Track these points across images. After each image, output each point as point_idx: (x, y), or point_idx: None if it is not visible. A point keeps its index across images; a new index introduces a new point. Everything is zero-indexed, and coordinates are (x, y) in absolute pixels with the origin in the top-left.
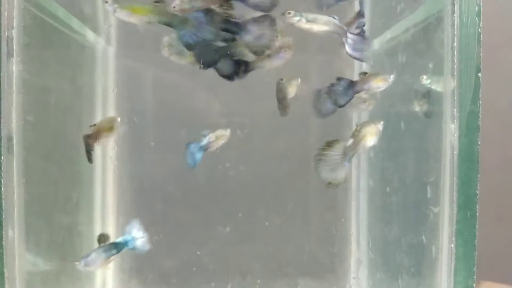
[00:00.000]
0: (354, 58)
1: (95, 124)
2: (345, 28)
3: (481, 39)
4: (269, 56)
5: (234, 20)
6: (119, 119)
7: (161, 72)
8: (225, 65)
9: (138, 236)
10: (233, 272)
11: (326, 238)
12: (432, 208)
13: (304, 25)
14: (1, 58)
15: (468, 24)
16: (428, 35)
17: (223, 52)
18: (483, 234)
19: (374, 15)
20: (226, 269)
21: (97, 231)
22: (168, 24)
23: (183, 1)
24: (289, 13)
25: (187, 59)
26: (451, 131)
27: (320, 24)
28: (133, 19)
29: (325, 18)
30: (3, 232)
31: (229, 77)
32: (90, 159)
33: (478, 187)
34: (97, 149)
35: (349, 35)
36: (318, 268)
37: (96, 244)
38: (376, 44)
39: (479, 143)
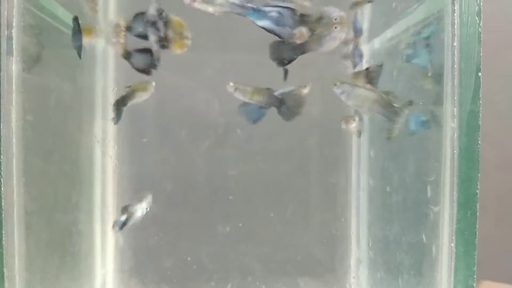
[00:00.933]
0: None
1: (130, 86)
2: (251, 6)
3: (481, 39)
4: (320, 38)
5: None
6: (154, 83)
7: (161, 71)
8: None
9: None
10: (233, 271)
11: (326, 238)
12: (432, 207)
13: (199, 5)
14: (1, 57)
15: (469, 24)
16: (428, 34)
17: (300, 50)
18: (483, 234)
19: (375, 14)
20: (226, 268)
21: (97, 230)
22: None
23: None
24: None
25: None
26: (451, 131)
27: (216, 5)
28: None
29: None
30: (3, 232)
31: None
32: (118, 120)
33: (479, 186)
34: (97, 149)
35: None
36: (318, 267)
37: (95, 245)
38: (377, 43)
39: (480, 143)
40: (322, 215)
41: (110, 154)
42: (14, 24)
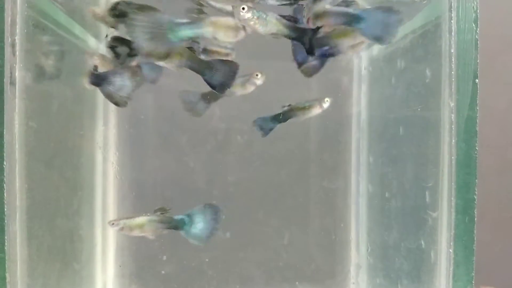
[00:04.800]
0: None
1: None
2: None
3: (478, 45)
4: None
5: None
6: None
7: (162, 77)
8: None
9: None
10: (233, 277)
11: (325, 243)
12: (430, 213)
13: None
14: (5, 64)
15: (466, 30)
16: (426, 41)
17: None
18: (481, 239)
19: None
20: (226, 274)
21: (98, 235)
22: (195, 70)
23: None
24: None
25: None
26: (449, 137)
27: None
28: (167, 64)
29: None
30: (5, 237)
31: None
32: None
33: (476, 192)
34: (99, 155)
35: None
36: (318, 273)
37: (95, 247)
38: (375, 50)
39: (477, 148)
40: (322, 221)
41: (111, 160)
42: (17, 31)
